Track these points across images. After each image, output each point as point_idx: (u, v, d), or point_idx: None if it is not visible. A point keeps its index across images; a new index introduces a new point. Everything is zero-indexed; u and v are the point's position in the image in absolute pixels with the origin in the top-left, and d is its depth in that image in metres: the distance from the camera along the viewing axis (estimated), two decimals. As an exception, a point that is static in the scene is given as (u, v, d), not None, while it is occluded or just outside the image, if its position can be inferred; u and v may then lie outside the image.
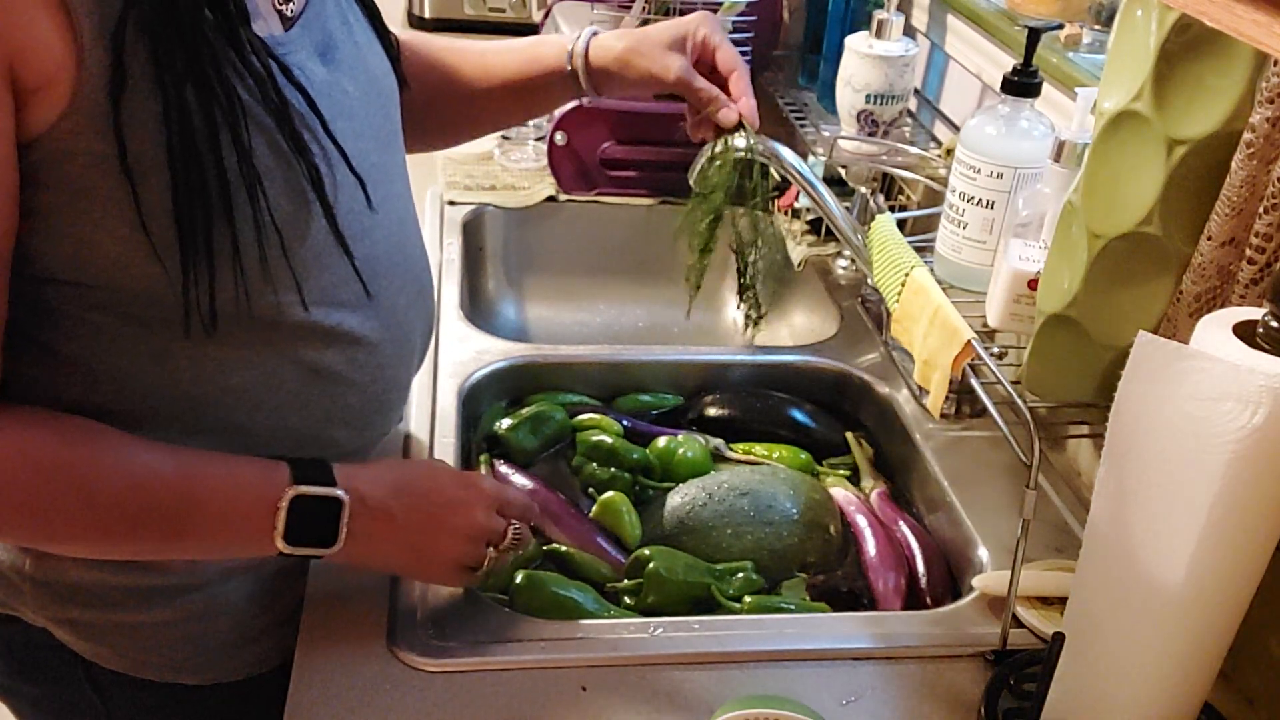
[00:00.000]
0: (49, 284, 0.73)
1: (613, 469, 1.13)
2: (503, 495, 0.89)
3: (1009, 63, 1.06)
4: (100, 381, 0.76)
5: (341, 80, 0.81)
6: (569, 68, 1.00)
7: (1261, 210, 0.76)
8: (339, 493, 0.78)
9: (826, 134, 1.41)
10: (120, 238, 0.70)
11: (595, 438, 1.14)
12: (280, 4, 0.77)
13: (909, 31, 1.43)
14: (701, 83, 0.99)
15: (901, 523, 1.09)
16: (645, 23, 1.50)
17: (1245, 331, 0.67)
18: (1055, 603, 0.91)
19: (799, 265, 1.48)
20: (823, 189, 1.29)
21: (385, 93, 0.89)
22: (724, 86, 1.00)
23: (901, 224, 1.15)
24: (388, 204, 0.86)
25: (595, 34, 0.99)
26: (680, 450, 1.14)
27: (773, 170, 1.13)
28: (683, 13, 1.49)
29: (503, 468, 1.12)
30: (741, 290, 1.27)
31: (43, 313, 0.74)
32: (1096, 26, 1.15)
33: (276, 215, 0.74)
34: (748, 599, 0.99)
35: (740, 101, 0.99)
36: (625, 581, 1.00)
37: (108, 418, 0.76)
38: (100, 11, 0.65)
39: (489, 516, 0.86)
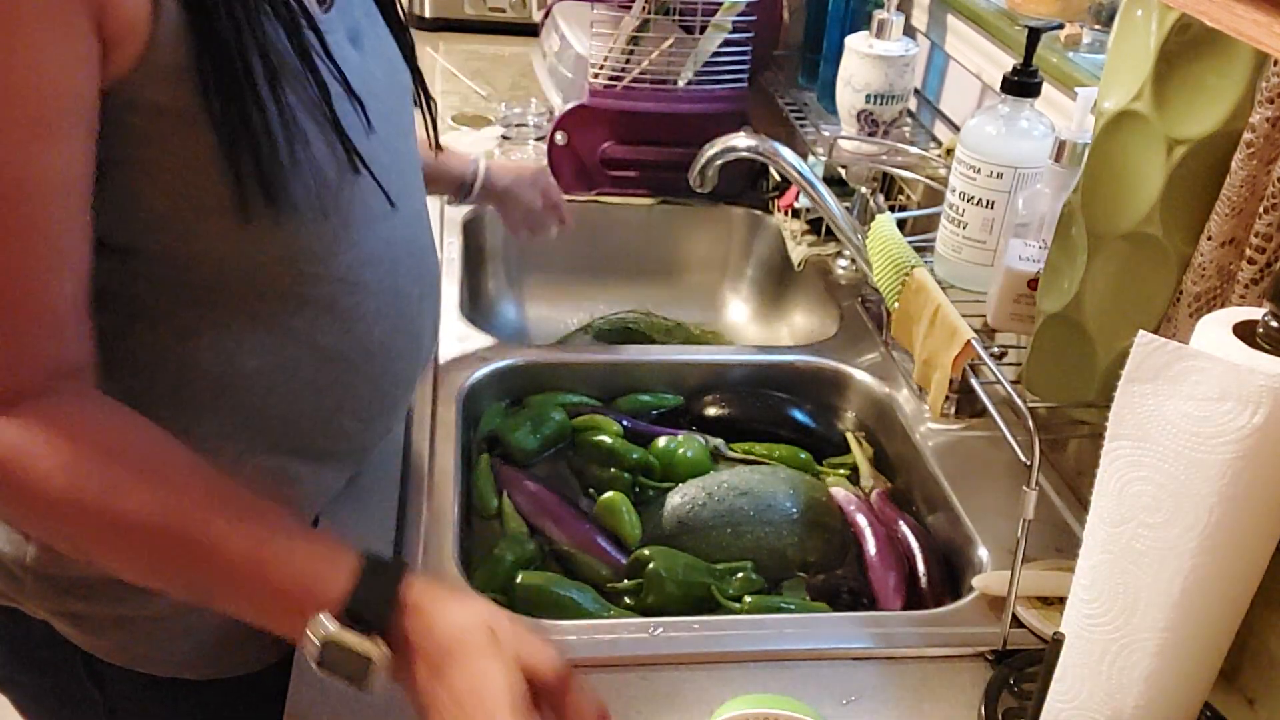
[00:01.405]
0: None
1: (613, 469, 1.13)
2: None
3: (1009, 63, 1.06)
4: (123, 358, 0.77)
5: (370, 65, 0.83)
6: (471, 184, 1.29)
7: (1261, 210, 0.76)
8: (371, 649, 0.67)
9: (826, 134, 1.41)
10: (172, 192, 0.71)
11: (595, 438, 1.14)
12: None
13: (909, 31, 1.43)
14: (540, 207, 1.37)
15: (901, 523, 1.09)
16: (645, 24, 1.50)
17: (1245, 331, 0.66)
18: (1055, 603, 0.90)
19: (799, 265, 1.48)
20: (823, 189, 1.30)
21: (404, 85, 0.91)
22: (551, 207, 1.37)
23: (901, 224, 1.15)
24: (405, 195, 0.87)
25: (487, 166, 1.30)
26: (680, 450, 1.14)
27: (773, 170, 1.13)
28: (682, 13, 1.50)
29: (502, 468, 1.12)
30: None
31: None
32: (1096, 26, 1.16)
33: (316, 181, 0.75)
34: (748, 599, 0.99)
35: (564, 223, 1.39)
36: (625, 581, 1.00)
37: (126, 396, 0.75)
38: None
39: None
